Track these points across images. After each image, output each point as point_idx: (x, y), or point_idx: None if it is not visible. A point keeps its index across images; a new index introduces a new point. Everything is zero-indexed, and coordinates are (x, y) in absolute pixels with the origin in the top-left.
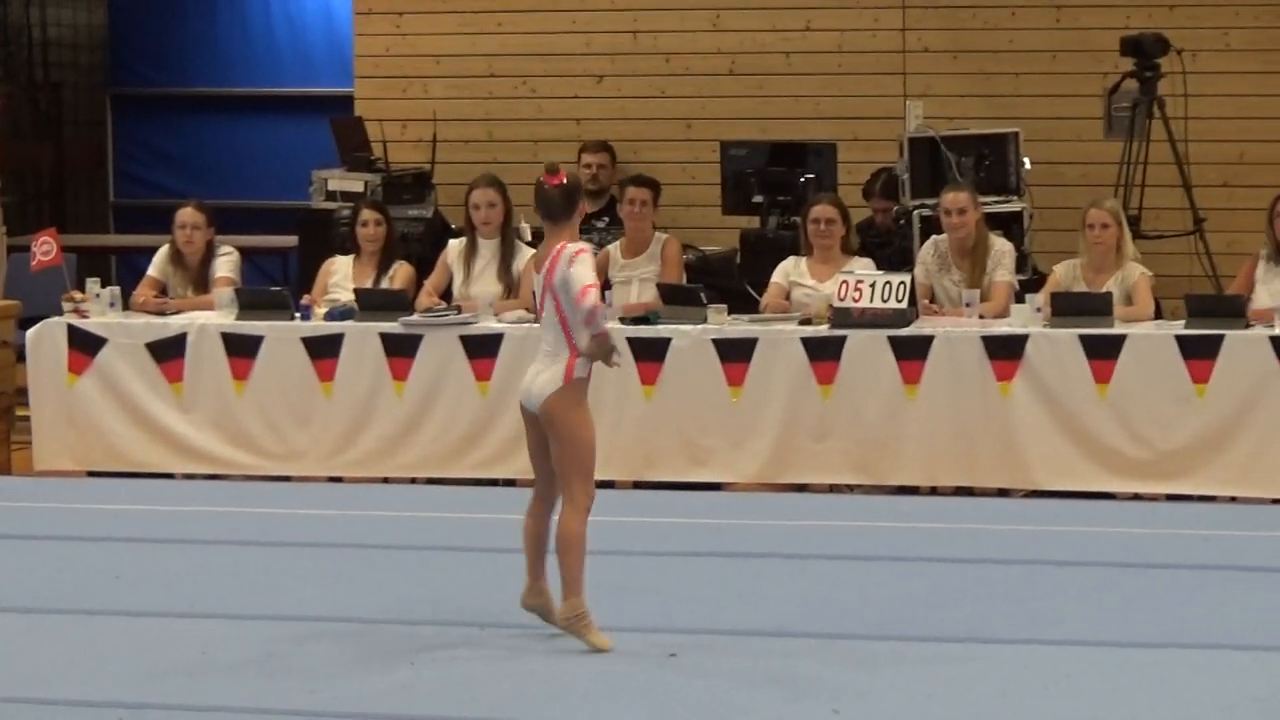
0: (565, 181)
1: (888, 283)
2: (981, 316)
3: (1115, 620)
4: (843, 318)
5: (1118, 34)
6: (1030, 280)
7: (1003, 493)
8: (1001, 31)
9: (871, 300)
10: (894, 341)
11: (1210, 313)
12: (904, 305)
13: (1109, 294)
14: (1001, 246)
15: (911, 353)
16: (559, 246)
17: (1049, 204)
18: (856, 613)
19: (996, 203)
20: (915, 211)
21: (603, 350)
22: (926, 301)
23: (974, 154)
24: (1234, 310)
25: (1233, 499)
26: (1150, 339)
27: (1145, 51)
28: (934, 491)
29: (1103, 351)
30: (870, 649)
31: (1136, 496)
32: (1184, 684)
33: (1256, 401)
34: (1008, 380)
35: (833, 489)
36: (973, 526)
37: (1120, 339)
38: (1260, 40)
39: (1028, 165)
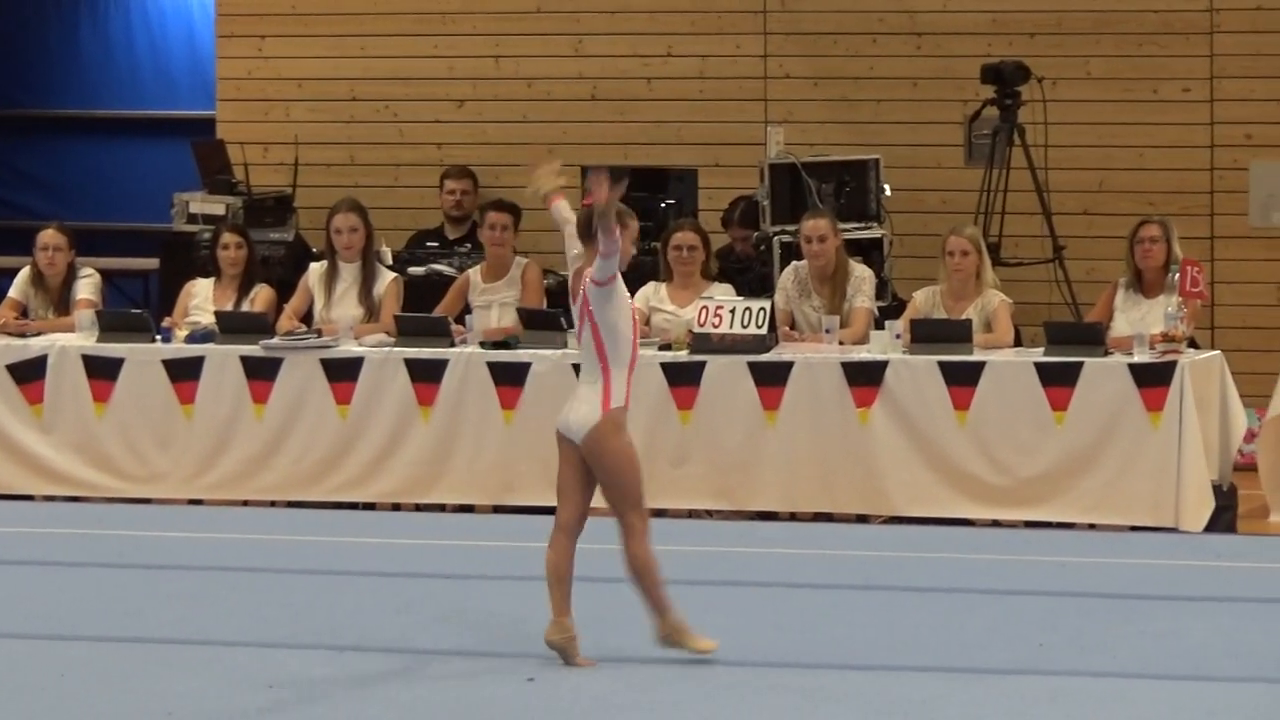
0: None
1: (747, 309)
2: (841, 343)
3: (975, 647)
4: (702, 343)
5: (979, 61)
6: (890, 306)
7: (862, 519)
8: (863, 58)
9: (731, 326)
10: (753, 367)
11: (1069, 340)
12: (763, 331)
13: (969, 321)
14: (861, 273)
15: (771, 378)
16: (587, 273)
17: (909, 230)
18: (719, 636)
19: (857, 229)
20: (776, 238)
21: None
22: (786, 328)
23: (835, 180)
24: (1093, 338)
25: (1091, 526)
26: (1009, 366)
27: (1006, 79)
28: (793, 517)
29: (962, 378)
30: (729, 675)
31: (995, 523)
32: (1041, 711)
33: (1114, 429)
34: (867, 406)
35: (691, 514)
36: (832, 552)
37: (979, 366)
38: (1120, 68)
39: (888, 192)
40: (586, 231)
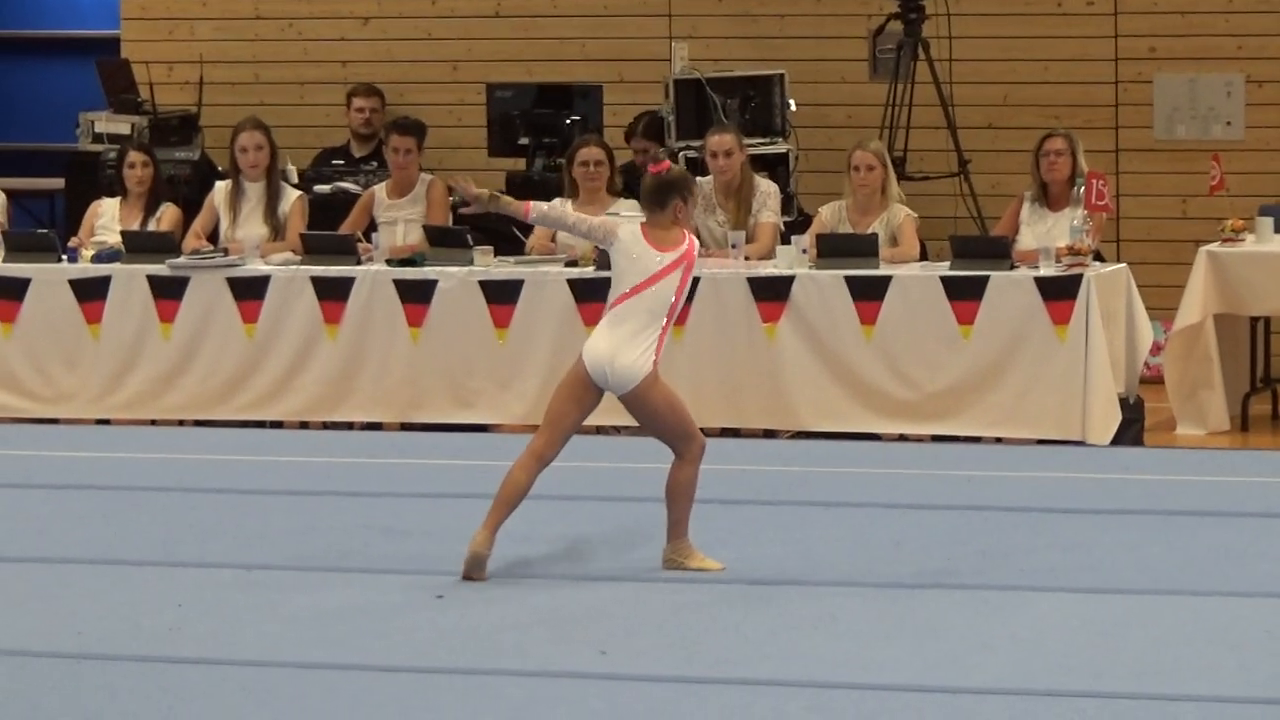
0: (663, 173)
1: None
2: (747, 258)
3: (882, 561)
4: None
5: None
6: (796, 222)
7: (769, 434)
8: None
9: None
10: None
11: (975, 254)
12: None
13: (874, 235)
14: (767, 188)
15: None
16: (689, 238)
17: (814, 146)
18: (623, 553)
19: (762, 144)
20: (681, 153)
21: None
22: None
23: (739, 96)
24: (999, 252)
25: (998, 440)
26: (915, 280)
27: None
28: (701, 432)
29: (868, 293)
30: (634, 590)
31: (902, 437)
32: (949, 623)
33: (1021, 343)
34: (773, 322)
35: (599, 430)
36: (739, 467)
37: (885, 280)
38: None
39: (793, 107)
40: (654, 197)
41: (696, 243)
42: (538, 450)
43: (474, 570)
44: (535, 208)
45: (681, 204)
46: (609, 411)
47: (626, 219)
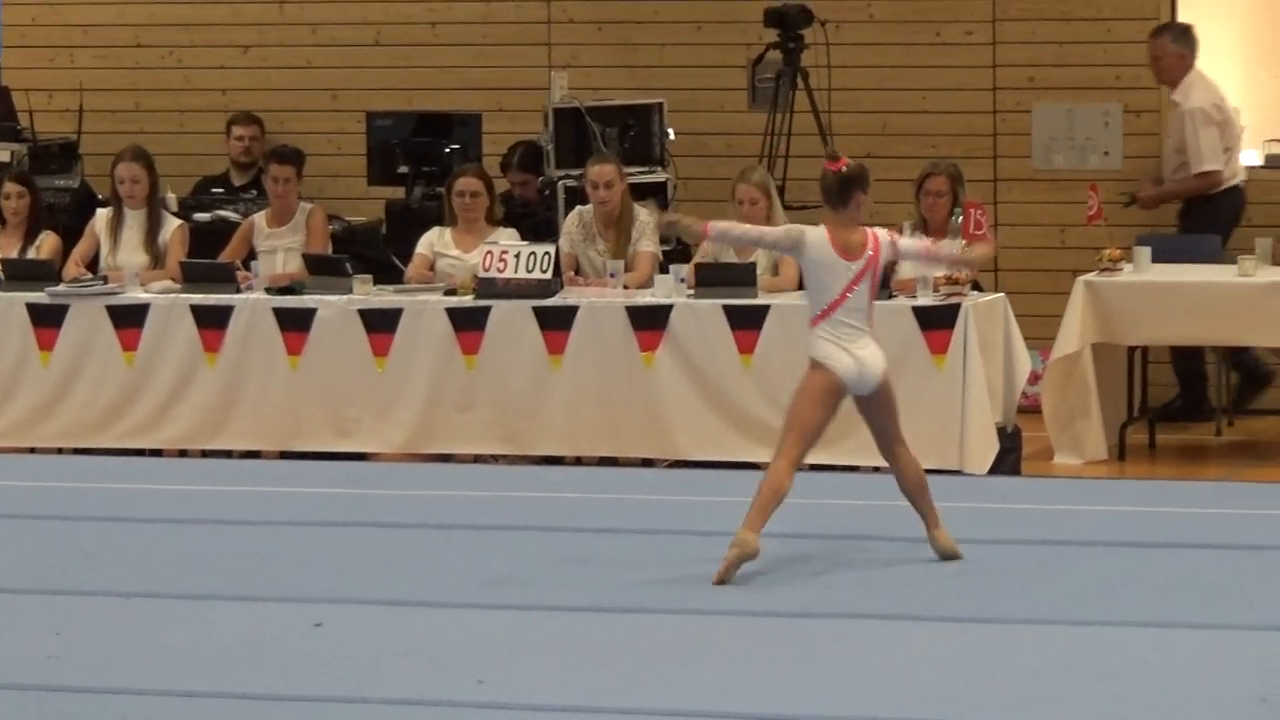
0: (843, 169)
1: (532, 253)
2: (626, 287)
3: (760, 588)
4: (487, 288)
5: (762, 5)
6: (675, 251)
7: (647, 463)
8: (646, 2)
9: (516, 271)
10: (538, 312)
11: None
12: (548, 276)
13: (753, 265)
14: (646, 217)
15: (556, 323)
16: (870, 233)
17: (693, 174)
18: (503, 582)
19: (641, 173)
20: (560, 182)
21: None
22: (571, 272)
23: (618, 125)
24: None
25: (876, 469)
26: (794, 309)
27: (789, 23)
28: (579, 462)
29: (746, 322)
30: (514, 619)
31: None
32: (826, 652)
33: (899, 371)
34: (651, 351)
35: (478, 459)
36: (617, 496)
37: (764, 309)
38: (902, 11)
39: (672, 136)
40: (838, 195)
41: (881, 233)
42: (795, 458)
43: (740, 562)
44: (714, 227)
45: (863, 196)
46: (484, 439)
47: (810, 232)
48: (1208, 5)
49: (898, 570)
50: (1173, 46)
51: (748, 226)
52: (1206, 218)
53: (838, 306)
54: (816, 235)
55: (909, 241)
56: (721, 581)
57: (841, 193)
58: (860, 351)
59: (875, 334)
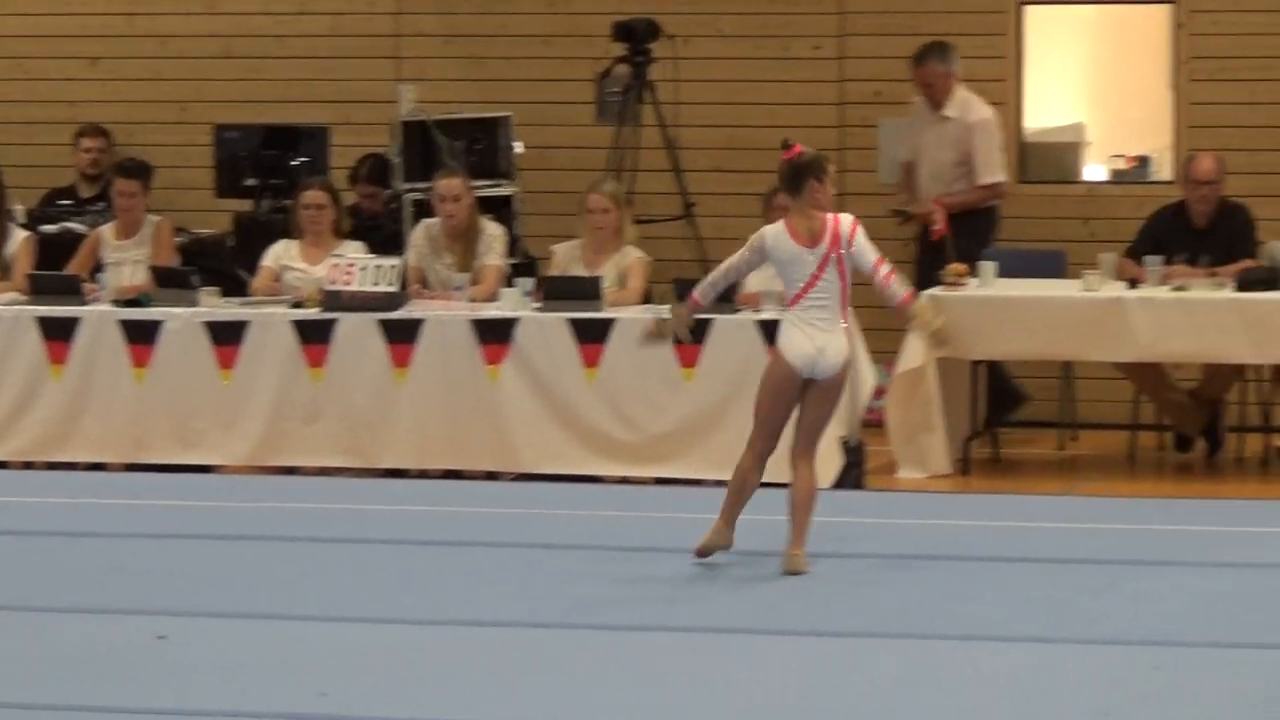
0: (795, 157)
1: (378, 266)
2: (472, 300)
3: (602, 603)
4: (333, 301)
5: (610, 19)
6: (521, 264)
7: (491, 476)
8: (494, 16)
9: (362, 284)
10: (384, 325)
11: None
12: (394, 289)
13: (598, 278)
14: (493, 230)
15: (402, 336)
16: (831, 218)
17: (540, 188)
18: (348, 595)
19: (488, 187)
20: (407, 195)
21: (933, 325)
22: (418, 285)
23: (465, 138)
24: (722, 295)
25: (719, 482)
26: (639, 323)
27: (637, 36)
28: (423, 475)
29: (591, 335)
30: (359, 632)
31: (625, 480)
32: (669, 667)
33: (744, 385)
34: (497, 364)
35: (323, 472)
36: (462, 509)
37: (609, 323)
38: (750, 26)
39: (519, 149)
40: (791, 183)
41: (846, 218)
42: (760, 451)
43: (708, 553)
44: (700, 294)
45: (817, 184)
46: (330, 451)
47: (768, 231)
48: (1053, 23)
49: (740, 584)
50: (941, 67)
51: (719, 269)
52: (982, 230)
53: (807, 292)
54: (775, 230)
55: (863, 242)
56: (701, 556)
57: (794, 180)
58: (822, 340)
59: (849, 321)
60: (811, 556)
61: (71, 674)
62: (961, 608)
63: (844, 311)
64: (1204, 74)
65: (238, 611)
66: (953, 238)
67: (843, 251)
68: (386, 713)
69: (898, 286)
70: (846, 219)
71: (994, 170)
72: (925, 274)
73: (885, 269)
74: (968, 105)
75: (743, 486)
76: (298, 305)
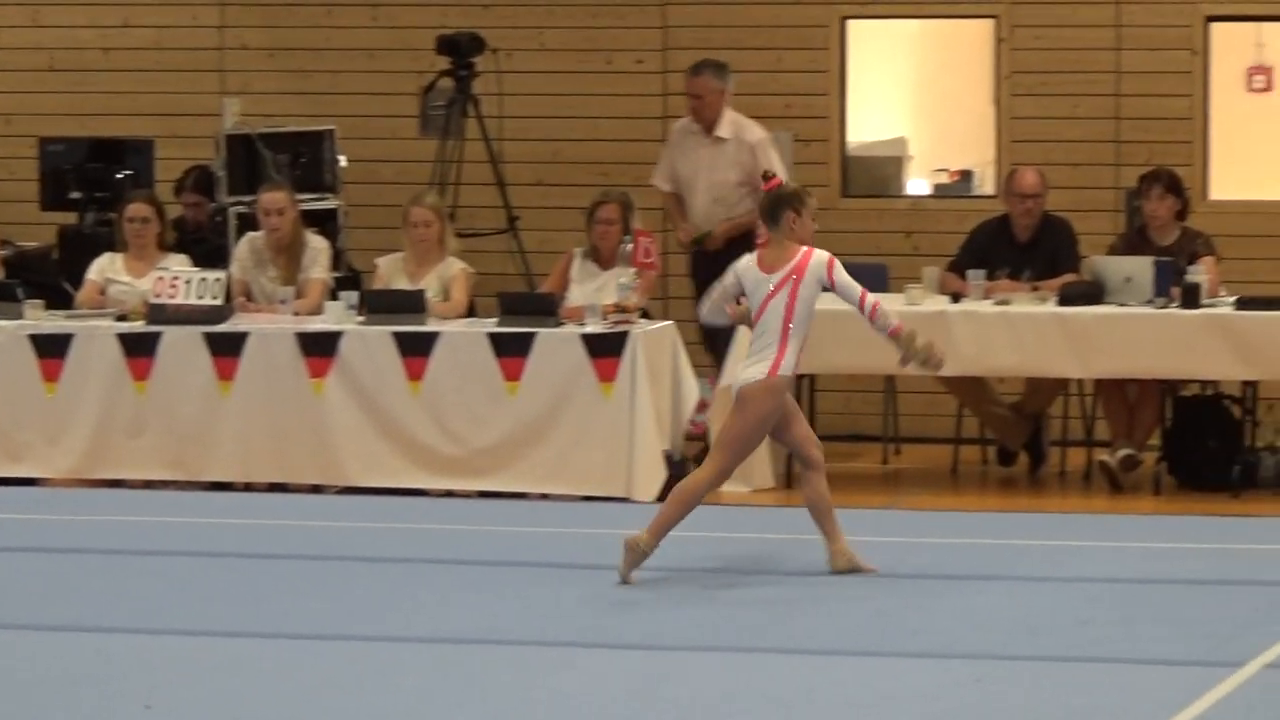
0: (775, 189)
1: (203, 279)
2: (297, 313)
3: (428, 616)
4: (158, 314)
5: (434, 33)
6: (346, 277)
7: (316, 489)
8: (319, 30)
9: (187, 297)
10: (209, 338)
11: (523, 310)
12: (219, 302)
13: (421, 291)
14: (317, 244)
15: (226, 349)
16: (801, 252)
17: (365, 201)
18: (172, 608)
19: (312, 200)
20: (232, 209)
21: (923, 350)
22: (243, 298)
23: (290, 151)
24: (546, 309)
25: (543, 496)
26: (463, 337)
27: (461, 50)
28: (249, 487)
29: (416, 349)
30: (184, 644)
31: (449, 493)
32: (496, 680)
33: (567, 399)
34: (321, 377)
35: (149, 484)
36: (287, 522)
37: (433, 336)
38: (574, 40)
39: (344, 163)
40: (769, 214)
41: (818, 253)
42: (814, 463)
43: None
44: (701, 317)
45: (795, 216)
46: (155, 465)
47: (743, 259)
48: (876, 38)
49: (562, 596)
50: (715, 83)
51: (712, 294)
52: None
53: (759, 317)
54: (748, 259)
55: (845, 279)
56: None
57: (772, 212)
58: (750, 360)
59: (805, 345)
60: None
61: None
62: (784, 622)
63: (784, 339)
64: (1026, 88)
65: (61, 624)
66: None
67: (811, 279)
68: None
69: (885, 318)
70: (821, 255)
71: None
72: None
73: (871, 301)
74: (741, 125)
75: (820, 503)
76: (123, 318)
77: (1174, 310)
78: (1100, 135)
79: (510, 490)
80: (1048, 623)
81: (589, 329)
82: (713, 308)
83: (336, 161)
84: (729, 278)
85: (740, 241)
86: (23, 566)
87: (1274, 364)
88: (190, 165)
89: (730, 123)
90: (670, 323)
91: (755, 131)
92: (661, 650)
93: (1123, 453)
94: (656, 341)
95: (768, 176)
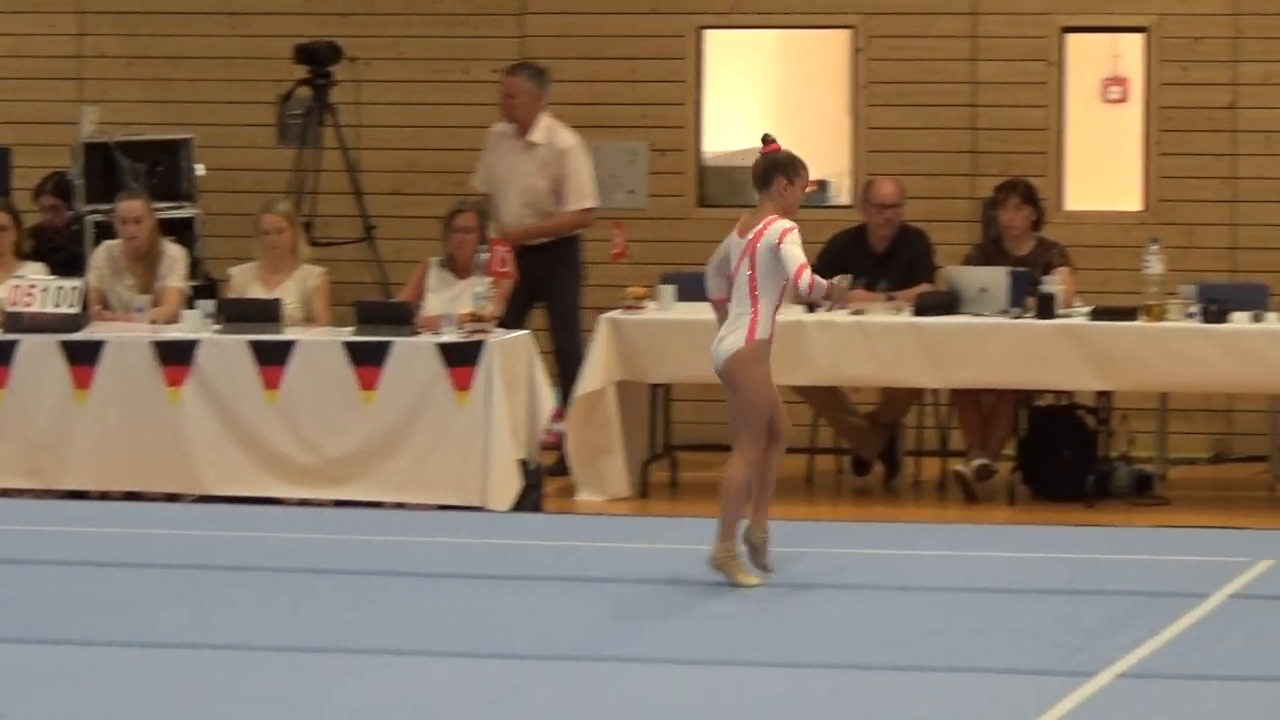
0: (770, 153)
1: (60, 287)
2: (153, 322)
3: (281, 624)
4: (14, 322)
5: (292, 41)
6: (202, 286)
7: (172, 498)
8: (177, 38)
9: (43, 305)
10: (65, 346)
11: (379, 320)
12: (76, 310)
13: (278, 300)
14: (174, 252)
15: (83, 358)
16: (767, 219)
17: (222, 210)
18: (27, 616)
19: (169, 209)
20: (89, 217)
21: (838, 294)
22: (99, 307)
23: (148, 160)
24: (401, 317)
25: (399, 505)
26: (319, 346)
27: (319, 59)
28: (104, 496)
29: (272, 357)
30: (38, 653)
31: (305, 502)
32: (347, 687)
33: (423, 408)
34: (177, 386)
35: (3, 493)
36: (142, 531)
37: (289, 345)
38: (431, 49)
39: (201, 171)
40: (760, 177)
41: (782, 223)
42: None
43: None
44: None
45: (786, 183)
46: (10, 473)
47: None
48: (733, 47)
49: (417, 605)
50: (529, 85)
51: (709, 270)
52: (572, 256)
53: (733, 281)
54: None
55: (789, 249)
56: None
57: (764, 175)
58: (724, 330)
59: (780, 304)
60: (489, 579)
61: None
62: (643, 629)
63: (754, 302)
64: (882, 99)
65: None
66: (546, 266)
67: (766, 246)
68: None
69: (819, 289)
70: (780, 224)
71: (587, 195)
72: (524, 305)
73: (807, 277)
74: (555, 131)
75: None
76: None
77: (1029, 320)
78: (956, 145)
79: (366, 499)
80: (901, 632)
81: (445, 338)
82: (712, 280)
83: (194, 170)
84: (721, 246)
85: (555, 246)
86: None
87: (1128, 374)
88: (49, 173)
89: (545, 128)
90: (526, 332)
91: (566, 139)
92: (513, 659)
93: (977, 462)
94: (512, 350)
95: (767, 140)
